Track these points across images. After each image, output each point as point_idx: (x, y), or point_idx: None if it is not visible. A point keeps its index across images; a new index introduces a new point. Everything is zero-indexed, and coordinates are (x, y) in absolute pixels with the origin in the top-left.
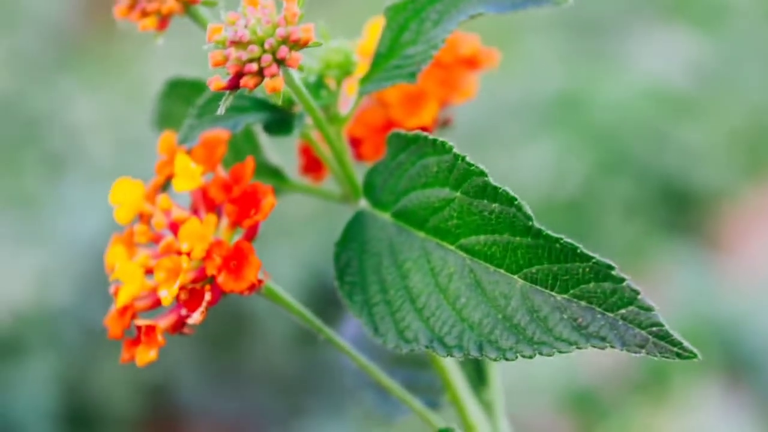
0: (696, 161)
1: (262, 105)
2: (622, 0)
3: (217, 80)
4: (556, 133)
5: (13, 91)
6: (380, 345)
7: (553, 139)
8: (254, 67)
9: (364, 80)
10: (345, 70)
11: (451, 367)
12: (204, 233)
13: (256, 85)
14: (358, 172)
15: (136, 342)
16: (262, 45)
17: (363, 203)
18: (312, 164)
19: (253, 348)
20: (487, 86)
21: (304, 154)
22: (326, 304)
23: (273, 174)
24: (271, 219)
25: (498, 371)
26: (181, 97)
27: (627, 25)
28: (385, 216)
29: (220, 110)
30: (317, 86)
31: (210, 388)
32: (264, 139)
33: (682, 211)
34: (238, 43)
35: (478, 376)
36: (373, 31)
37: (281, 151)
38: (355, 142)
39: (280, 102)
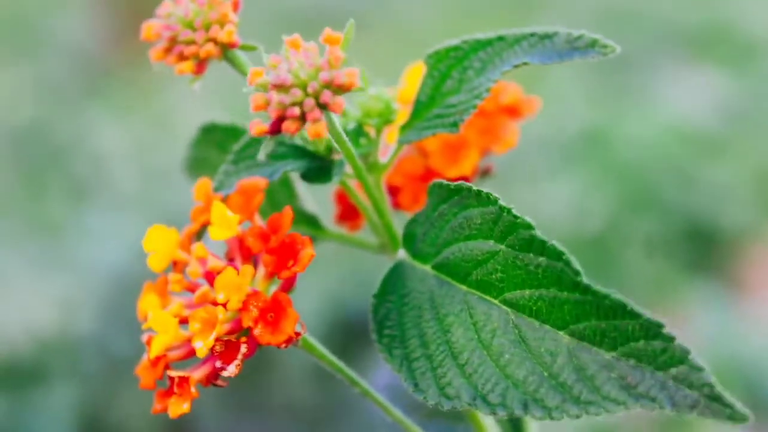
0: (721, 200)
1: (300, 152)
2: (649, 38)
3: (258, 124)
4: (581, 169)
5: (40, 119)
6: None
7: (578, 175)
8: (297, 111)
9: (405, 129)
10: (385, 118)
11: (489, 421)
12: (241, 284)
13: (298, 129)
14: (396, 221)
15: (168, 393)
16: (305, 89)
17: (402, 254)
18: (348, 212)
19: (274, 380)
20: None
21: (341, 202)
22: (349, 337)
23: (309, 222)
24: None
25: (536, 425)
26: (215, 143)
27: (654, 63)
28: (426, 268)
29: (261, 156)
30: (357, 134)
31: (231, 420)
32: (300, 187)
33: (706, 249)
34: (280, 87)
35: (514, 430)
36: (411, 77)
37: (316, 199)
38: (393, 191)
39: (321, 149)
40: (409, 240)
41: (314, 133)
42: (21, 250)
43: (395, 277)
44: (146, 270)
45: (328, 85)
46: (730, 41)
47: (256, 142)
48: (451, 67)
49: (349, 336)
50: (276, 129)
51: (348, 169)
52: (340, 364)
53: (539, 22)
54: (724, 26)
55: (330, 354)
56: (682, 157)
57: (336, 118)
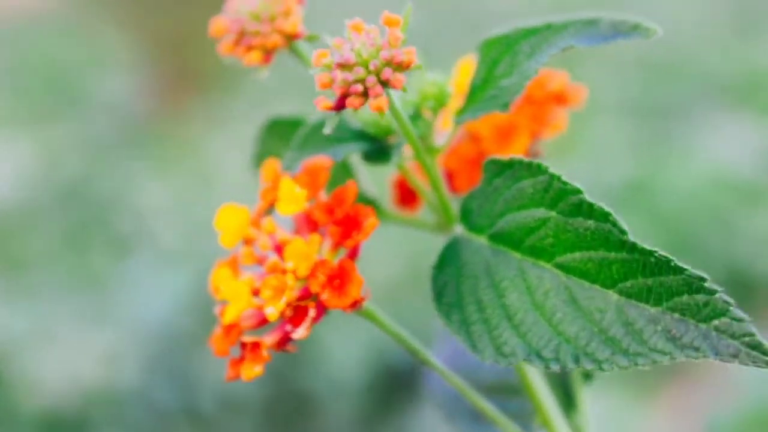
0: (762, 248)
1: (360, 135)
2: (690, 88)
3: (324, 100)
4: (623, 217)
5: (83, 174)
6: (471, 374)
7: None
8: (359, 88)
9: (462, 110)
10: (440, 101)
11: (542, 390)
12: (309, 252)
13: (362, 104)
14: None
15: (241, 359)
16: (367, 67)
17: (459, 229)
18: (405, 196)
19: (316, 429)
20: (557, 169)
21: (398, 188)
22: (393, 386)
23: (369, 204)
24: None
25: (587, 395)
26: (279, 136)
27: (694, 112)
28: (482, 239)
29: (327, 129)
30: (414, 117)
31: None
32: (361, 173)
33: (747, 296)
34: (344, 66)
35: (568, 401)
36: (463, 69)
37: (375, 187)
38: (449, 175)
39: (381, 132)
40: (466, 214)
41: (376, 107)
42: (66, 304)
43: (452, 250)
44: (189, 324)
45: (389, 63)
46: None
47: (318, 128)
48: (502, 53)
49: (393, 384)
50: (341, 105)
51: (405, 151)
52: (402, 332)
53: (583, 68)
54: (762, 75)
55: (390, 321)
56: (722, 205)
57: (396, 96)
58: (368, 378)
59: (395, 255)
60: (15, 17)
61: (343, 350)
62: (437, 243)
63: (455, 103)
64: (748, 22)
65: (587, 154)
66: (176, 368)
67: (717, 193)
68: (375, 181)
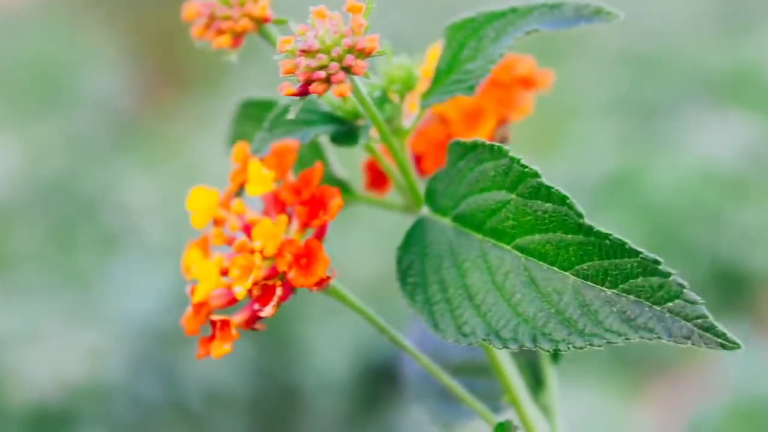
0: (748, 242)
1: (329, 118)
2: (675, 83)
3: (287, 86)
4: (607, 213)
5: (69, 171)
6: (439, 354)
7: (605, 219)
8: (322, 74)
9: (427, 94)
10: (407, 85)
11: (510, 370)
12: (276, 232)
13: (325, 91)
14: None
15: (211, 338)
16: (329, 53)
17: (424, 210)
18: (376, 179)
19: (302, 425)
20: (540, 166)
21: (369, 170)
22: (377, 384)
23: (339, 186)
24: (319, 298)
25: (554, 376)
26: (253, 117)
27: (680, 108)
28: (446, 220)
29: (291, 114)
30: (381, 101)
31: None
32: (330, 155)
33: (734, 293)
34: (307, 52)
35: (536, 380)
36: (432, 54)
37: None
38: (417, 158)
39: (348, 114)
40: (431, 196)
41: (339, 93)
42: (51, 301)
43: (418, 231)
44: (175, 321)
45: (351, 50)
46: (755, 85)
47: (288, 110)
48: (467, 37)
49: (378, 381)
50: (304, 91)
51: (373, 133)
52: (370, 311)
53: (567, 65)
54: (749, 70)
55: (357, 299)
56: (709, 200)
57: (360, 82)
58: (354, 374)
59: (378, 252)
60: (1, 15)
61: (329, 346)
62: None
63: (423, 86)
64: (735, 18)
65: (573, 150)
66: (162, 364)
67: (703, 189)
68: (350, 164)
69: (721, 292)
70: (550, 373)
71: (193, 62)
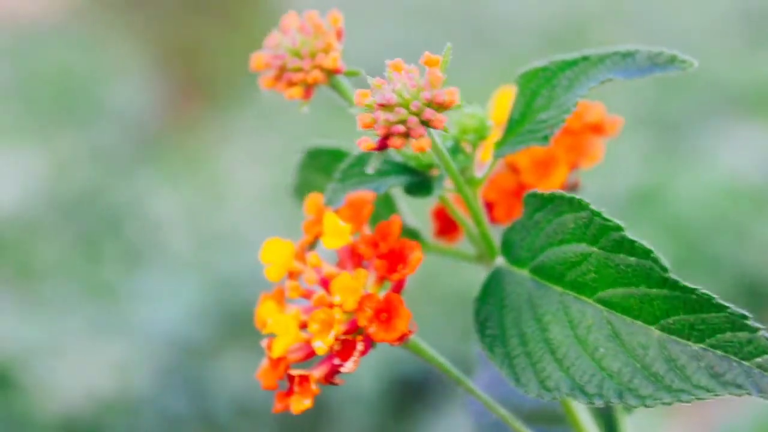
0: None
1: (402, 169)
2: (701, 99)
3: (367, 140)
4: (634, 227)
5: (93, 184)
6: (510, 401)
7: (631, 232)
8: (401, 128)
9: (500, 143)
10: (480, 134)
11: (586, 420)
12: (355, 286)
13: (403, 144)
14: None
15: (289, 393)
16: (408, 107)
17: (500, 261)
18: (446, 227)
19: None
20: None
21: (438, 218)
22: (406, 395)
23: (411, 235)
24: None
25: (630, 427)
26: (319, 167)
27: (706, 123)
28: (523, 272)
29: (369, 169)
30: (454, 150)
31: None
32: (401, 205)
33: (758, 305)
34: (386, 106)
35: (609, 430)
36: (500, 100)
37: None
38: (489, 206)
39: (422, 165)
40: (507, 246)
41: (418, 147)
42: (77, 314)
43: (494, 282)
44: (201, 334)
45: (430, 104)
46: None
47: (360, 161)
48: (540, 86)
49: (406, 393)
50: (383, 145)
51: (446, 183)
52: (447, 363)
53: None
54: None
55: (437, 354)
56: (733, 214)
57: (437, 135)
58: (383, 386)
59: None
60: (26, 28)
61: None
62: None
63: (494, 135)
64: (758, 32)
65: (599, 164)
66: (189, 376)
67: (728, 202)
68: (413, 209)
69: (745, 305)
70: (625, 423)
71: (217, 75)
